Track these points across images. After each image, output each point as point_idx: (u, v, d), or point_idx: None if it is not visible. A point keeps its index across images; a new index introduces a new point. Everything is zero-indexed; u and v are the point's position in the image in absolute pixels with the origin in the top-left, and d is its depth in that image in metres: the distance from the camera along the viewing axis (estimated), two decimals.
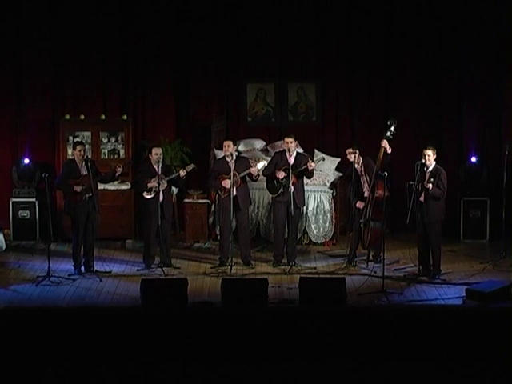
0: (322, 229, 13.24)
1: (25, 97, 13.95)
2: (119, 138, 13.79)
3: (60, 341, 9.40)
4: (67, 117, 13.69)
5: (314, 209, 13.18)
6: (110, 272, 11.63)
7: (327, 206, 13.22)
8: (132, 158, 13.48)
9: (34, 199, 13.54)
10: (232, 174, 11.62)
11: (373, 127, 13.65)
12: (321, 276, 11.19)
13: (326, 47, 14.02)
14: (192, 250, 13.13)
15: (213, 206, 13.19)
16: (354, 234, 11.93)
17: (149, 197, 11.66)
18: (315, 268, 11.87)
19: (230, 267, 11.57)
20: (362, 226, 11.71)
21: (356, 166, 11.71)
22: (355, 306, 10.06)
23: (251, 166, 11.82)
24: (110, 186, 13.09)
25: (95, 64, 13.95)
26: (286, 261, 11.90)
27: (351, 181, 11.75)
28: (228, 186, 11.66)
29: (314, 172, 12.03)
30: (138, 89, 14.14)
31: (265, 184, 12.07)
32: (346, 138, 14.04)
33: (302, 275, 10.84)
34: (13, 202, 13.58)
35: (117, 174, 11.80)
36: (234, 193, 11.67)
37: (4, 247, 12.90)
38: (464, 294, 10.24)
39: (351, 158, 11.69)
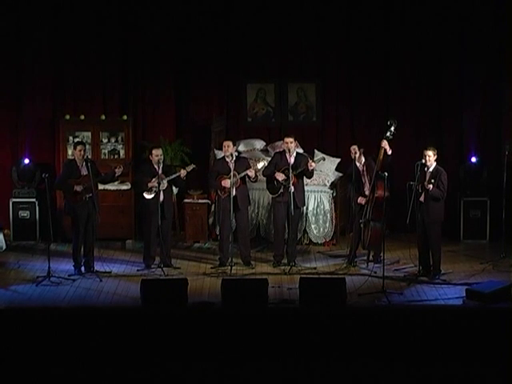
0: (322, 229, 13.24)
1: (25, 97, 13.95)
2: (119, 138, 13.79)
3: (60, 341, 9.39)
4: (67, 117, 13.69)
5: (314, 209, 13.18)
6: (110, 272, 11.63)
7: (327, 207, 13.22)
8: (132, 158, 13.48)
9: (34, 199, 13.54)
10: (232, 174, 11.62)
11: (373, 127, 13.65)
12: (321, 276, 11.19)
13: (326, 47, 14.02)
14: (192, 250, 13.12)
15: (213, 206, 13.19)
16: (354, 235, 11.93)
17: (149, 197, 11.66)
18: (315, 268, 11.87)
19: (230, 267, 11.57)
20: (362, 226, 11.71)
21: (358, 164, 11.72)
22: (355, 307, 10.07)
23: (251, 167, 11.81)
24: (110, 187, 13.09)
25: (95, 64, 13.95)
26: (286, 261, 11.90)
27: (351, 180, 11.74)
28: (228, 186, 11.66)
29: (314, 172, 12.03)
30: (137, 89, 14.14)
31: (265, 184, 12.07)
32: (346, 137, 14.05)
33: (302, 275, 10.84)
34: (13, 202, 13.58)
35: (116, 175, 11.80)
36: (234, 193, 11.67)
37: (4, 247, 12.90)
38: (464, 295, 10.25)
39: (355, 154, 11.66)
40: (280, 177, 11.72)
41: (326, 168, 13.35)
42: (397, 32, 13.86)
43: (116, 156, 13.77)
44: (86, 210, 11.43)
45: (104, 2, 13.80)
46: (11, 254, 12.73)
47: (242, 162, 11.88)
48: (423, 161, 11.11)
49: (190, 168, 11.83)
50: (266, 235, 13.32)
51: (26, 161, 13.66)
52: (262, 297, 9.98)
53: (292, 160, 11.79)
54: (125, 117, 13.81)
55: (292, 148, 11.83)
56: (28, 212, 13.55)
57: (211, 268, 11.90)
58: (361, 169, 11.75)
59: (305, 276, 10.81)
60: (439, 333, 9.46)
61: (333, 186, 13.37)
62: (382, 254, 11.18)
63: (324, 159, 12.25)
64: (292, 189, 11.63)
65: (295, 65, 14.17)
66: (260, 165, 11.89)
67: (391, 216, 12.44)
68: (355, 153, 11.68)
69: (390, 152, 11.53)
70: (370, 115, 13.99)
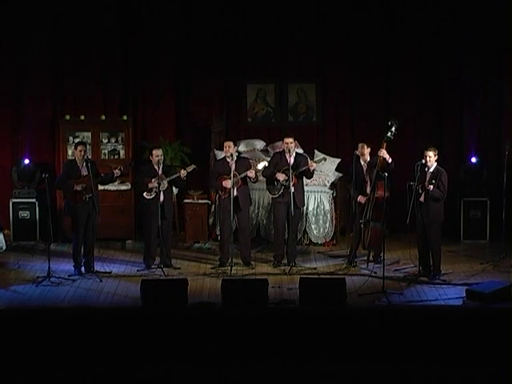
0: (322, 229, 13.24)
1: (25, 97, 13.95)
2: (119, 138, 13.80)
3: (60, 341, 9.39)
4: (67, 117, 13.69)
5: (314, 209, 13.18)
6: (110, 272, 11.62)
7: (327, 207, 13.22)
8: (132, 158, 13.48)
9: (34, 200, 13.55)
10: (232, 174, 11.62)
11: (373, 127, 13.63)
12: (321, 276, 11.19)
13: (326, 47, 14.01)
14: (192, 250, 13.12)
15: (213, 206, 13.19)
16: (354, 235, 11.93)
17: (149, 197, 11.66)
18: (315, 268, 11.87)
19: (230, 268, 11.57)
20: (362, 226, 11.71)
21: (362, 162, 11.72)
22: (355, 307, 10.07)
23: (251, 167, 11.81)
24: (110, 187, 13.09)
25: (95, 64, 13.95)
26: (286, 261, 11.90)
27: (351, 179, 11.74)
28: (229, 186, 11.66)
29: (314, 172, 12.03)
30: (138, 89, 14.14)
31: (265, 184, 12.07)
32: (346, 137, 14.06)
33: (302, 276, 10.84)
34: (13, 203, 13.58)
35: (115, 176, 11.80)
36: (235, 193, 11.67)
37: (4, 247, 12.90)
38: (464, 295, 10.25)
39: (362, 151, 11.66)
40: (281, 177, 11.72)
41: (326, 168, 13.35)
42: (397, 32, 13.86)
43: (116, 156, 13.77)
44: (86, 210, 11.43)
45: (104, 2, 13.80)
46: (11, 255, 12.73)
47: (243, 163, 11.88)
48: (423, 161, 11.11)
49: (190, 168, 11.83)
50: (266, 235, 13.32)
51: (26, 161, 13.66)
52: (262, 297, 9.98)
53: (292, 160, 11.79)
54: (125, 117, 13.81)
55: (292, 148, 11.83)
56: (28, 212, 13.55)
57: (211, 268, 11.90)
58: (365, 168, 11.74)
59: (305, 276, 10.81)
60: (439, 333, 9.46)
61: (333, 186, 13.37)
62: (382, 254, 11.18)
63: (325, 160, 12.24)
64: (292, 189, 11.63)
65: (295, 65, 14.16)
66: (261, 165, 11.88)
67: (391, 216, 12.44)
68: (362, 149, 11.65)
69: (390, 160, 11.52)
70: (370, 115, 13.99)
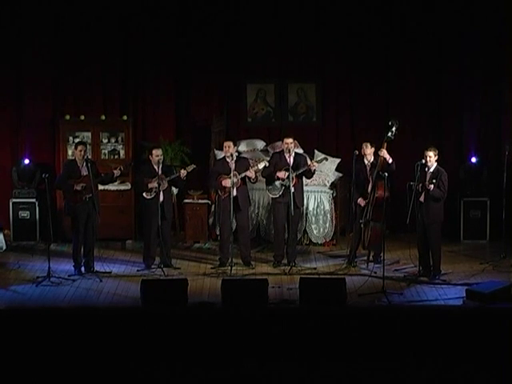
0: (322, 229, 13.24)
1: (25, 97, 13.95)
2: (119, 138, 13.80)
3: (60, 341, 9.39)
4: (67, 117, 13.69)
5: (314, 209, 13.18)
6: (110, 272, 11.62)
7: (327, 207, 13.22)
8: (132, 158, 13.48)
9: (34, 200, 13.55)
10: (232, 174, 11.62)
11: (373, 127, 13.64)
12: (321, 276, 11.19)
13: (326, 47, 14.02)
14: (192, 250, 13.13)
15: (213, 206, 13.19)
16: (354, 235, 11.93)
17: (149, 197, 11.66)
18: (315, 268, 11.87)
19: (230, 268, 11.56)
20: (362, 226, 11.71)
21: (366, 162, 11.73)
22: (355, 307, 10.06)
23: (251, 167, 11.81)
24: (110, 187, 13.09)
25: (95, 64, 13.95)
26: (286, 261, 11.90)
27: (352, 179, 11.74)
28: (228, 185, 11.66)
29: (315, 172, 12.02)
30: (138, 89, 14.15)
31: (265, 185, 12.06)
32: (346, 138, 14.07)
33: (302, 276, 10.84)
34: (13, 203, 13.58)
35: (115, 176, 11.80)
36: (235, 193, 11.67)
37: (4, 247, 12.90)
38: (464, 295, 10.25)
39: (366, 151, 11.66)
40: (282, 174, 11.71)
41: (326, 168, 13.34)
42: (397, 32, 13.86)
43: (116, 156, 13.77)
44: (85, 210, 11.43)
45: (104, 3, 13.79)
46: (11, 254, 12.73)
47: (243, 163, 11.88)
48: (423, 161, 11.11)
49: (190, 168, 11.82)
50: (266, 235, 13.32)
51: (26, 161, 13.66)
52: (262, 297, 9.98)
53: (291, 160, 11.79)
54: (125, 117, 13.81)
55: (292, 148, 11.84)
56: (28, 212, 13.55)
57: (211, 268, 11.90)
58: (368, 167, 11.74)
59: (305, 276, 10.81)
60: (439, 333, 9.46)
61: (333, 186, 13.37)
62: (382, 254, 11.18)
63: (326, 159, 12.22)
64: (292, 189, 11.63)
65: (295, 65, 14.17)
66: (261, 165, 11.87)
67: (391, 216, 12.44)
68: (366, 149, 11.66)
69: (390, 161, 11.53)
70: (370, 115, 13.99)
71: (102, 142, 13.77)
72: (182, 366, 9.20)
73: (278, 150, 12.35)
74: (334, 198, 13.28)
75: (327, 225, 13.23)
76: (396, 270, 11.73)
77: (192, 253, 12.91)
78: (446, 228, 12.22)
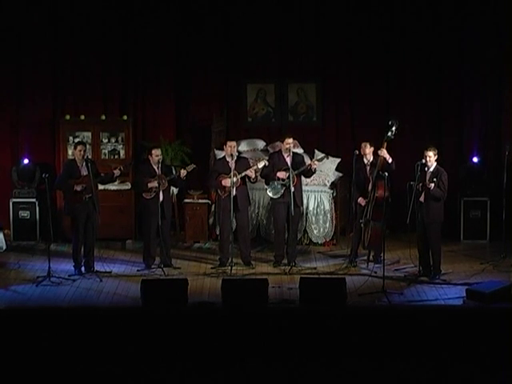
0: (322, 229, 13.24)
1: (25, 97, 13.95)
2: (119, 138, 13.80)
3: (60, 341, 9.39)
4: (67, 117, 13.69)
5: (314, 209, 13.18)
6: (110, 272, 11.62)
7: (327, 207, 13.22)
8: (132, 158, 13.48)
9: (34, 199, 13.54)
10: (232, 173, 11.62)
11: (373, 127, 13.62)
12: (321, 276, 11.19)
13: (326, 47, 14.01)
14: (192, 250, 13.13)
15: (213, 206, 13.19)
16: (354, 235, 11.93)
17: (149, 197, 11.65)
18: (315, 268, 11.87)
19: (230, 267, 11.57)
20: (362, 226, 11.71)
21: (366, 161, 11.72)
22: (355, 307, 10.06)
23: (251, 167, 11.81)
24: (110, 187, 13.10)
25: (95, 64, 13.95)
26: (286, 261, 11.89)
27: (352, 179, 11.74)
28: (228, 186, 11.66)
29: (315, 172, 12.03)
30: (138, 89, 14.14)
31: (265, 185, 12.06)
32: (346, 138, 14.07)
33: (303, 275, 10.84)
34: (13, 203, 13.58)
35: (115, 176, 11.81)
36: (234, 193, 11.67)
37: (4, 247, 12.90)
38: (464, 295, 10.25)
39: (365, 151, 11.66)
40: (282, 175, 11.71)
41: (326, 168, 13.34)
42: (397, 32, 13.86)
43: (116, 156, 13.77)
44: (85, 210, 11.43)
45: (104, 3, 13.79)
46: (11, 254, 12.73)
47: (243, 162, 11.89)
48: (423, 161, 11.11)
49: (190, 168, 11.83)
50: (266, 235, 13.32)
51: (26, 161, 13.66)
52: (262, 297, 9.98)
53: (290, 160, 11.78)
54: (125, 117, 13.81)
55: (292, 148, 11.84)
56: (28, 212, 13.54)
57: (211, 268, 11.90)
58: (368, 167, 11.74)
59: (305, 276, 10.81)
60: (439, 333, 9.46)
61: (333, 185, 13.36)
62: (382, 254, 11.18)
63: (327, 157, 12.19)
64: (292, 189, 11.63)
65: (295, 65, 14.16)
66: (261, 164, 11.87)
67: (391, 216, 12.43)
68: (365, 149, 11.66)
69: (390, 160, 11.53)
70: (370, 115, 13.98)
71: (102, 141, 13.76)
72: (181, 366, 9.20)
73: (275, 151, 12.36)
74: (334, 197, 13.28)
75: (327, 225, 13.23)
76: (396, 269, 11.73)
77: (192, 253, 12.91)
78: (446, 228, 12.20)
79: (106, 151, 13.80)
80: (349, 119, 14.20)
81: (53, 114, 13.96)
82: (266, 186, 12.01)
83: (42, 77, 13.89)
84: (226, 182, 11.69)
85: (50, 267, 11.17)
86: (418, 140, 13.64)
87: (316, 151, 13.53)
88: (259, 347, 9.39)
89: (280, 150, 11.96)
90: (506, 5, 13.44)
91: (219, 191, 11.84)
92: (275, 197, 11.83)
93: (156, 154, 11.69)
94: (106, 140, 13.80)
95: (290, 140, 11.82)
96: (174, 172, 11.80)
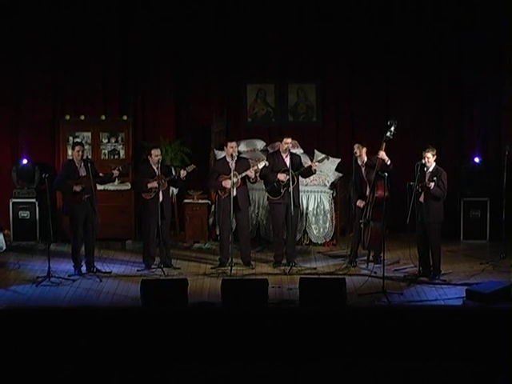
0: (322, 229, 13.24)
1: (25, 97, 13.95)
2: (119, 138, 13.80)
3: (60, 341, 9.39)
4: (67, 117, 13.70)
5: (314, 209, 13.18)
6: (110, 272, 11.62)
7: (327, 207, 13.22)
8: (132, 158, 13.49)
9: (33, 200, 13.55)
10: (232, 174, 11.62)
11: (373, 127, 13.63)
12: (321, 276, 11.19)
13: (326, 47, 14.01)
14: (192, 250, 13.13)
15: (213, 206, 13.19)
16: (354, 235, 11.93)
17: (148, 197, 11.65)
18: (315, 268, 11.87)
19: (230, 268, 11.56)
20: (362, 226, 11.71)
21: (360, 162, 11.72)
22: (355, 307, 10.06)
23: (251, 167, 11.81)
24: (110, 187, 13.10)
25: (95, 64, 13.95)
26: (286, 261, 11.89)
27: (351, 179, 11.75)
28: (228, 186, 11.66)
29: (315, 172, 12.02)
30: (138, 89, 14.14)
31: (263, 185, 12.05)
32: (346, 138, 14.06)
33: (302, 276, 10.84)
34: (13, 203, 13.58)
35: (114, 176, 11.82)
36: (234, 193, 11.67)
37: (4, 247, 12.90)
38: (464, 295, 10.25)
39: (358, 152, 11.66)
40: (282, 177, 11.70)
41: (326, 168, 13.34)
42: (397, 32, 13.86)
43: (116, 156, 13.77)
44: (84, 210, 11.42)
45: (104, 3, 13.79)
46: (11, 254, 12.73)
47: (243, 163, 11.88)
48: (423, 161, 11.11)
49: (190, 168, 11.83)
50: (265, 235, 13.32)
51: (25, 161, 13.65)
52: (262, 297, 9.98)
53: (288, 161, 11.77)
54: (125, 117, 13.81)
55: (290, 148, 11.84)
56: (28, 212, 13.55)
57: (211, 268, 11.90)
58: (363, 168, 11.73)
59: (305, 276, 10.81)
60: (439, 333, 9.45)
61: (333, 186, 13.37)
62: (382, 254, 11.18)
63: (328, 158, 12.18)
64: (291, 189, 11.63)
65: (295, 65, 14.16)
66: (261, 165, 11.86)
67: (391, 216, 12.43)
68: (358, 150, 11.66)
69: (388, 162, 11.52)
70: (370, 115, 13.98)
71: (102, 142, 13.77)
72: (182, 366, 9.20)
73: (273, 151, 12.37)
74: (334, 197, 13.28)
75: (327, 225, 13.23)
76: (396, 269, 11.73)
77: (192, 253, 12.92)
78: (446, 228, 12.20)
79: (106, 151, 13.80)
80: (349, 119, 14.20)
81: (53, 114, 13.97)
82: (265, 188, 11.99)
83: (41, 77, 13.89)
84: (227, 183, 11.69)
85: (49, 267, 11.17)
86: (417, 140, 13.64)
87: (316, 151, 13.52)
88: (259, 347, 9.38)
89: (278, 151, 11.96)
90: (506, 5, 13.44)
91: (219, 191, 11.84)
92: (275, 198, 11.82)
93: (156, 155, 11.69)
94: (106, 140, 13.80)
95: (289, 140, 11.82)
96: (173, 172, 11.80)
